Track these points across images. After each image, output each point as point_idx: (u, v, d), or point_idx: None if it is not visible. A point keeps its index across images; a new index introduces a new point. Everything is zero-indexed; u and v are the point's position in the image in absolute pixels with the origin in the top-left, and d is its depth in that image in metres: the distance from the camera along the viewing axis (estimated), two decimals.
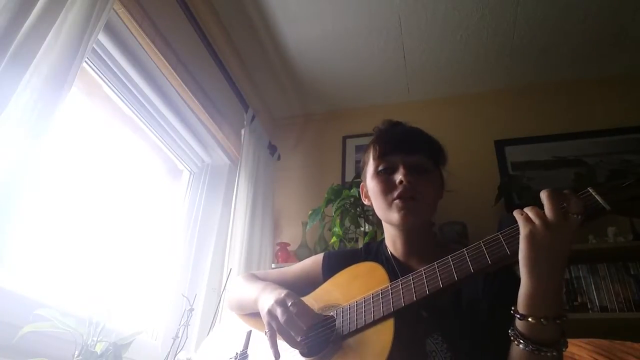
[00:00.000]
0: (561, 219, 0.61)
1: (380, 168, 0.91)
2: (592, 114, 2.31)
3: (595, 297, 1.74)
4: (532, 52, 2.29)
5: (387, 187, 0.89)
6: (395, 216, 0.87)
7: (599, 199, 0.61)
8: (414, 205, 0.86)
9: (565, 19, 2.10)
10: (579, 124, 2.29)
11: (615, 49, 2.25)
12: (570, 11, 2.06)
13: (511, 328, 0.67)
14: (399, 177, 0.87)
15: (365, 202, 1.00)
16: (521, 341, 0.64)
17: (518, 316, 0.64)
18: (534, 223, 0.62)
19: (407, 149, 0.90)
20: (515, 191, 2.13)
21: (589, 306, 1.72)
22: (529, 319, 0.63)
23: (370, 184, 0.93)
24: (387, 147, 0.91)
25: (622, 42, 2.20)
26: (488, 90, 2.56)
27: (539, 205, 0.64)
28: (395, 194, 0.87)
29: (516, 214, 0.65)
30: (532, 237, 0.61)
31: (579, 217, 0.61)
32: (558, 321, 0.62)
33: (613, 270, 1.77)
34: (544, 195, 0.64)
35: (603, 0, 1.99)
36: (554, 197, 0.62)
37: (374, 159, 0.93)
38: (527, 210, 0.64)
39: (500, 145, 2.35)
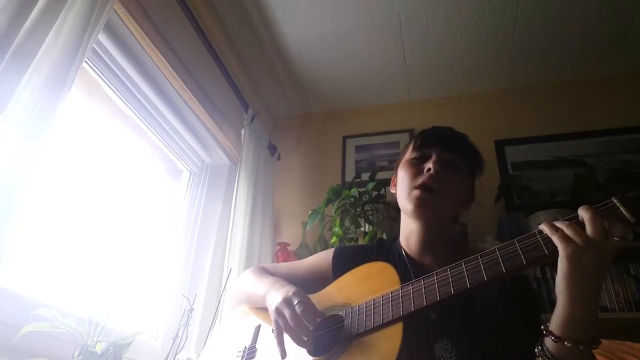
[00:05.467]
0: (604, 239, 0.58)
1: (413, 156, 0.92)
2: (592, 114, 2.31)
3: None
4: (532, 52, 2.29)
5: (414, 173, 0.90)
6: (410, 206, 0.88)
7: (623, 211, 0.58)
8: (431, 199, 0.86)
9: (565, 19, 2.09)
10: (579, 124, 2.29)
11: (615, 49, 2.25)
12: (570, 11, 2.05)
13: (539, 347, 0.65)
14: (428, 165, 0.88)
15: (392, 190, 1.01)
16: None
17: (553, 338, 0.61)
18: (576, 242, 0.59)
19: (445, 145, 0.90)
20: (515, 191, 2.13)
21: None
22: (566, 343, 0.60)
23: (400, 172, 0.94)
24: (427, 139, 0.93)
25: (622, 42, 2.20)
26: (488, 90, 2.56)
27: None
28: (419, 181, 0.87)
29: (548, 229, 0.62)
30: (576, 257, 0.58)
31: (620, 239, 0.58)
32: (594, 346, 0.60)
33: (613, 270, 1.77)
34: (587, 215, 0.60)
35: (603, 1, 1.99)
36: (598, 217, 0.59)
37: (411, 147, 0.95)
38: (563, 227, 0.60)
39: (500, 145, 2.35)
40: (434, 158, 0.88)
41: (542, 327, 0.65)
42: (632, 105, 2.26)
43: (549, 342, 0.63)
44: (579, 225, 0.60)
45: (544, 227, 0.63)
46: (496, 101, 2.52)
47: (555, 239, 0.60)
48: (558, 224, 0.61)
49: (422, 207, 0.86)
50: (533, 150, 2.30)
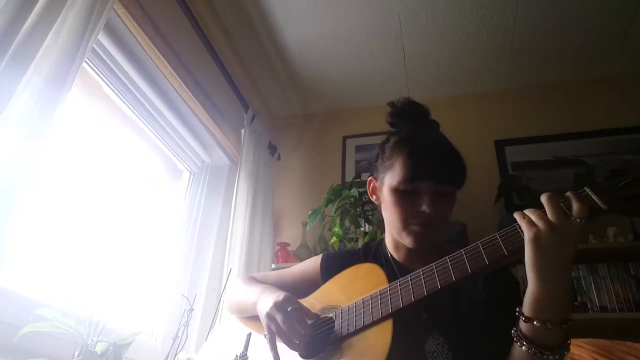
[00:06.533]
0: (564, 221, 0.60)
1: (403, 188, 0.85)
2: (592, 114, 2.31)
3: (595, 297, 1.73)
4: (532, 52, 2.29)
5: (408, 209, 0.85)
6: (408, 239, 0.86)
7: (595, 199, 0.61)
8: (430, 231, 0.85)
9: (565, 19, 2.09)
10: (579, 124, 2.29)
11: (615, 49, 2.25)
12: (570, 11, 2.05)
13: (515, 329, 0.66)
14: (423, 205, 0.83)
15: (372, 198, 0.97)
16: (524, 343, 0.64)
17: (523, 318, 0.64)
18: (537, 226, 0.61)
19: (438, 177, 0.84)
20: (515, 191, 2.13)
21: (589, 306, 1.72)
22: (534, 322, 0.62)
23: (388, 196, 0.88)
24: (419, 171, 0.84)
25: (622, 42, 2.20)
26: (488, 90, 2.56)
27: (539, 206, 0.64)
28: (415, 220, 0.84)
29: (517, 216, 0.65)
30: (537, 240, 0.61)
31: (582, 221, 0.60)
32: (564, 326, 0.62)
33: (613, 270, 1.77)
34: (544, 198, 0.63)
35: (603, 1, 1.99)
36: (555, 200, 0.62)
37: (401, 176, 0.85)
38: (529, 213, 0.64)
39: (500, 145, 2.35)
40: (428, 199, 0.83)
41: (517, 309, 0.66)
42: (632, 105, 2.26)
43: (521, 323, 0.65)
44: (541, 214, 0.63)
45: (515, 216, 0.65)
46: (496, 101, 2.52)
47: (523, 225, 0.63)
48: (526, 212, 0.65)
49: (421, 242, 0.86)
50: (533, 150, 2.30)
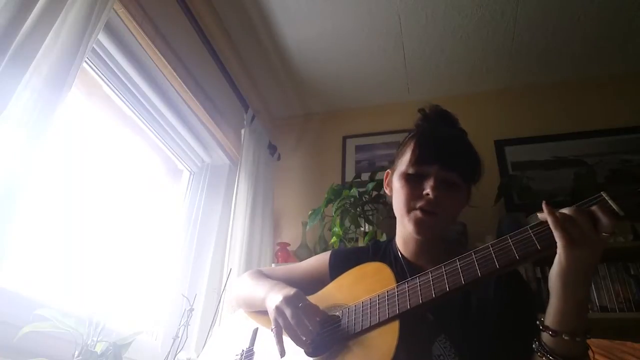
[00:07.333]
0: (598, 238, 0.60)
1: (410, 172, 0.88)
2: (592, 114, 2.31)
3: (595, 297, 1.73)
4: (532, 52, 2.29)
5: (412, 193, 0.86)
6: (410, 226, 0.86)
7: (612, 204, 0.60)
8: (433, 221, 0.85)
9: (565, 19, 2.09)
10: (579, 124, 2.29)
11: (615, 49, 2.25)
12: (570, 11, 2.05)
13: (537, 344, 0.66)
14: (427, 188, 0.84)
15: (387, 191, 0.99)
16: (550, 358, 0.63)
17: (551, 333, 0.63)
18: (577, 243, 0.60)
19: (444, 162, 0.85)
20: (515, 191, 2.13)
21: (589, 306, 1.72)
22: (563, 336, 0.62)
23: (396, 183, 0.91)
24: (425, 154, 0.87)
25: (622, 42, 2.20)
26: (488, 90, 2.56)
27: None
28: (418, 204, 0.85)
29: (554, 227, 0.61)
30: (577, 255, 0.60)
31: (609, 235, 0.60)
32: (588, 335, 0.62)
33: (613, 270, 1.77)
34: (576, 214, 0.61)
35: (603, 1, 1.99)
36: (584, 216, 0.61)
37: (409, 160, 0.88)
38: (573, 231, 0.60)
39: (500, 145, 2.35)
40: (432, 182, 0.84)
41: (538, 322, 0.66)
42: (632, 105, 2.26)
43: (546, 337, 0.64)
44: (572, 221, 0.61)
45: (553, 228, 0.62)
46: (496, 101, 2.52)
47: (560, 242, 0.61)
48: (570, 230, 0.61)
49: (423, 229, 0.86)
50: (533, 150, 2.30)
